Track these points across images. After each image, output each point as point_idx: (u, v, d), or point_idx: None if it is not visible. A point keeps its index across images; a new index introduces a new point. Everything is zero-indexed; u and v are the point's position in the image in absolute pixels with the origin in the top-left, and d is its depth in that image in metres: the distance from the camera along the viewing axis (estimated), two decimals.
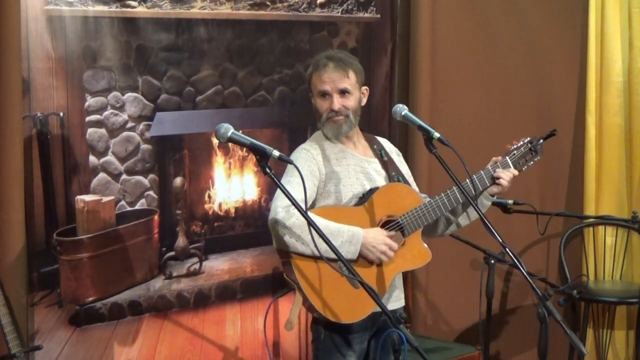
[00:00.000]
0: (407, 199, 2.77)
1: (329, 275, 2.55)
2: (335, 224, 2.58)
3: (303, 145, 2.76)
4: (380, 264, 2.67)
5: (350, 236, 2.58)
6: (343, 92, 2.71)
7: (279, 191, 2.46)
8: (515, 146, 2.86)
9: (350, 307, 2.60)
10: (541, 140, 2.89)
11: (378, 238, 2.63)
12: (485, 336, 3.44)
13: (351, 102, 2.72)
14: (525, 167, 2.87)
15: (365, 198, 2.70)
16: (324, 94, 2.71)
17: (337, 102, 2.70)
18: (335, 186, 2.69)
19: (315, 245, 2.37)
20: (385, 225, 2.71)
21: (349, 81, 2.71)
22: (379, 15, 4.04)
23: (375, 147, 2.86)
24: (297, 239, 2.52)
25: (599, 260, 4.43)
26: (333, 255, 2.36)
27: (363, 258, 2.63)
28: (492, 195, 2.84)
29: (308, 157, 2.70)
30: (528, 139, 2.89)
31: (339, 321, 2.60)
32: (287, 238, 2.53)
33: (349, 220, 2.62)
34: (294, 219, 2.51)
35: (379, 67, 4.07)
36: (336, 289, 2.57)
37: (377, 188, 2.73)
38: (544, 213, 3.78)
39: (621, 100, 4.37)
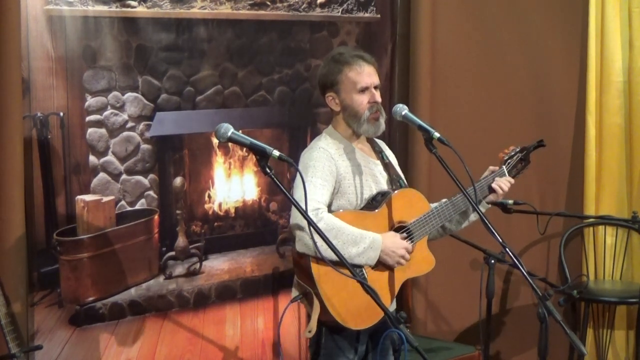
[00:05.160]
0: (417, 205, 2.78)
1: (345, 282, 2.54)
2: (358, 230, 2.58)
3: (319, 143, 2.72)
4: (393, 270, 2.68)
5: (371, 242, 2.59)
6: (376, 88, 2.72)
7: (301, 194, 2.37)
8: (508, 155, 2.96)
9: (362, 313, 2.61)
10: (531, 150, 3.00)
11: (397, 243, 2.64)
12: (485, 336, 3.43)
13: (380, 97, 2.74)
14: (518, 175, 2.98)
15: (378, 202, 2.70)
16: (364, 89, 2.69)
17: (378, 95, 2.70)
18: (348, 187, 2.68)
19: (317, 248, 2.37)
20: (397, 231, 2.71)
21: (378, 77, 2.73)
22: (379, 15, 4.04)
23: (376, 148, 2.86)
24: (322, 243, 2.46)
25: (599, 260, 4.43)
26: (356, 261, 2.48)
27: (380, 263, 2.64)
28: (488, 204, 2.93)
29: (326, 156, 2.66)
30: (518, 148, 2.99)
31: (350, 327, 2.61)
32: (312, 242, 2.47)
33: (365, 225, 2.63)
34: (322, 224, 2.46)
35: (379, 67, 4.06)
36: (351, 296, 2.57)
37: (388, 192, 2.73)
38: (544, 213, 3.78)
39: (621, 100, 4.37)
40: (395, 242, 2.64)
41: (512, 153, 2.97)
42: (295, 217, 2.54)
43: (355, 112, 2.70)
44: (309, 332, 2.60)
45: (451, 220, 2.87)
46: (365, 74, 2.69)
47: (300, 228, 2.52)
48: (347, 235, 2.54)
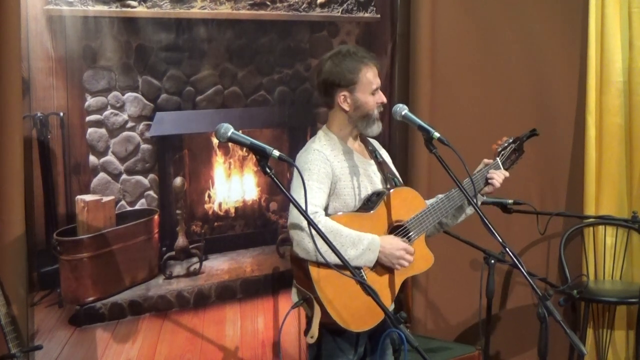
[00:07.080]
0: (413, 203, 2.77)
1: (345, 284, 2.54)
2: (356, 232, 2.58)
3: (314, 145, 2.71)
4: (391, 270, 2.68)
5: (369, 243, 2.59)
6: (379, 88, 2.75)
7: (298, 196, 2.38)
8: (501, 146, 2.96)
9: (363, 315, 2.61)
10: (524, 139, 3.01)
11: (394, 244, 2.64)
12: (485, 336, 3.43)
13: None
14: (512, 166, 2.98)
15: (373, 203, 2.70)
16: (376, 90, 2.71)
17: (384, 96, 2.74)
18: (344, 188, 2.68)
19: (320, 252, 2.37)
20: (394, 230, 2.71)
21: None
22: (379, 15, 4.04)
23: (370, 148, 2.86)
24: (322, 245, 2.43)
25: (599, 260, 4.43)
26: (355, 263, 2.48)
27: (379, 265, 2.64)
28: (483, 195, 2.93)
29: (322, 158, 2.66)
30: (511, 139, 2.99)
31: (353, 330, 2.61)
32: (311, 246, 2.48)
33: (362, 226, 2.62)
34: (320, 227, 2.43)
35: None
36: (352, 298, 2.57)
37: (383, 192, 2.73)
38: (544, 213, 3.78)
39: (621, 100, 4.37)
40: (393, 244, 2.63)
41: (505, 144, 2.97)
42: (293, 218, 2.53)
43: (366, 113, 2.70)
44: (312, 337, 2.59)
45: (447, 215, 2.87)
46: (376, 75, 2.73)
47: (299, 228, 2.51)
48: (345, 237, 2.53)
